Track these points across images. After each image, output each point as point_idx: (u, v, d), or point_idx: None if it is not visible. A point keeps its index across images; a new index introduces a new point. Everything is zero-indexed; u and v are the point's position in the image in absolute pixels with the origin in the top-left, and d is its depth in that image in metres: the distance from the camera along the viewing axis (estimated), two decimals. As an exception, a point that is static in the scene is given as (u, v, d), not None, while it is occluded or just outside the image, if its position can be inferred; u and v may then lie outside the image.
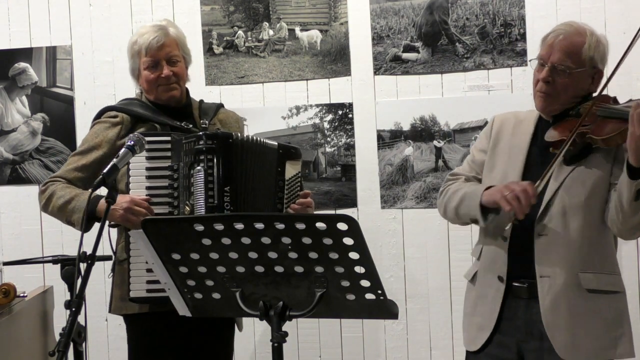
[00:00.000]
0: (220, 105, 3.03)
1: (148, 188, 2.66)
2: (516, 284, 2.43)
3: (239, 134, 2.71)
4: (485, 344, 2.48)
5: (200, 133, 2.63)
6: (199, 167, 2.59)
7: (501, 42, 3.67)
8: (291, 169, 2.83)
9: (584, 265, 2.39)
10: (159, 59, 2.78)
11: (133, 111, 2.82)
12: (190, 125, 2.81)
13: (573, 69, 2.40)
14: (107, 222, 2.28)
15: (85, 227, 2.60)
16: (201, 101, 2.99)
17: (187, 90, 2.93)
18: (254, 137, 2.75)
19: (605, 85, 2.41)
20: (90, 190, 2.28)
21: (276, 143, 2.80)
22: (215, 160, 2.59)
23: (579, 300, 2.38)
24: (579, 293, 2.38)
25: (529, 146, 2.50)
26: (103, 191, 2.44)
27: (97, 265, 2.21)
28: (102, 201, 2.57)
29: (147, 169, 2.66)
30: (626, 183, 2.24)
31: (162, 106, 2.84)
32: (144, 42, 2.78)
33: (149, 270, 2.58)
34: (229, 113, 3.04)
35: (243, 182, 2.67)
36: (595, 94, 2.49)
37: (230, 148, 2.63)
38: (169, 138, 2.68)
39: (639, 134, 2.17)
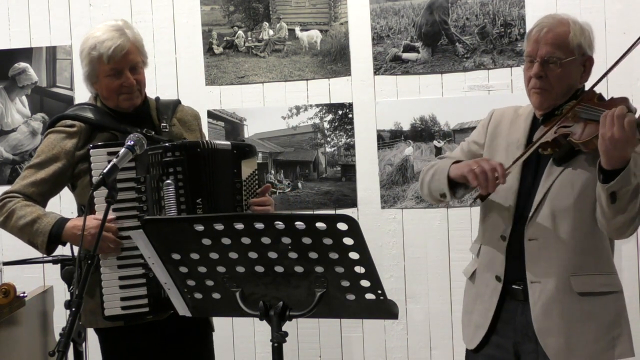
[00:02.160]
0: (178, 103, 2.89)
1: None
2: (514, 286, 2.42)
3: (205, 142, 2.61)
4: (482, 343, 2.48)
5: (167, 144, 2.54)
6: (168, 181, 2.50)
7: (501, 42, 3.67)
8: (247, 169, 2.69)
9: (576, 268, 2.37)
10: (123, 68, 2.63)
11: (90, 119, 2.68)
12: (152, 132, 2.68)
13: (563, 59, 2.38)
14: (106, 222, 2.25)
15: (49, 251, 2.57)
16: (157, 99, 2.85)
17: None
18: (209, 141, 2.64)
19: (596, 83, 2.39)
20: (90, 193, 2.24)
21: (229, 143, 2.68)
22: (184, 172, 2.51)
23: (572, 304, 2.36)
24: (571, 297, 2.36)
25: (525, 146, 2.47)
26: (65, 206, 2.39)
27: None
28: (69, 225, 2.54)
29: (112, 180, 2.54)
30: (600, 187, 2.22)
31: (118, 111, 2.71)
32: (106, 49, 2.60)
33: (123, 287, 2.53)
34: (186, 110, 2.89)
35: (210, 191, 2.58)
36: (587, 88, 2.48)
37: (197, 158, 2.55)
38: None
39: (608, 136, 2.14)
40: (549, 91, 2.41)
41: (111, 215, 2.52)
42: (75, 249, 2.62)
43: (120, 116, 2.70)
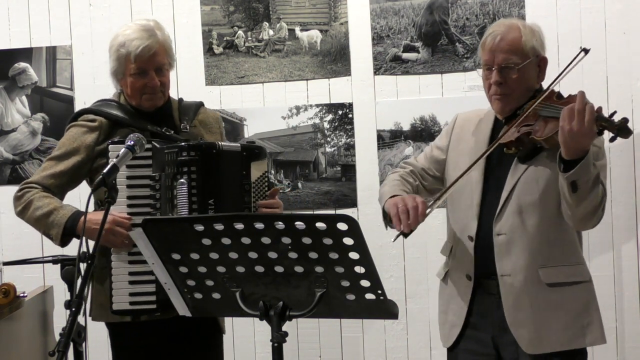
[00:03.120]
0: (200, 105, 2.93)
1: (129, 197, 2.58)
2: (487, 281, 2.49)
3: (221, 144, 2.62)
4: (457, 339, 2.54)
5: (183, 144, 2.56)
6: (182, 180, 2.52)
7: (501, 42, 3.66)
8: (256, 171, 2.71)
9: (543, 260, 2.45)
10: (148, 68, 2.67)
11: (112, 115, 2.72)
12: (172, 132, 2.72)
13: (520, 64, 2.46)
14: (106, 220, 2.25)
15: (64, 243, 2.60)
16: (180, 100, 2.89)
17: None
18: (220, 143, 2.65)
19: (553, 83, 2.45)
20: (90, 192, 2.26)
21: (239, 145, 2.70)
22: (198, 172, 2.53)
23: (541, 295, 2.44)
24: (540, 288, 2.44)
25: (488, 144, 2.53)
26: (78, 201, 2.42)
27: (97, 265, 2.21)
28: (82, 218, 2.53)
29: (128, 177, 2.58)
30: (561, 177, 2.30)
31: (140, 110, 2.75)
32: (134, 48, 2.63)
33: (132, 282, 2.55)
34: (208, 113, 2.94)
35: (222, 192, 2.60)
36: (544, 87, 2.54)
37: (212, 159, 2.56)
38: (149, 146, 2.56)
39: (567, 129, 2.22)
40: (509, 95, 2.49)
41: (125, 211, 2.56)
42: (91, 243, 2.65)
43: (142, 114, 2.74)
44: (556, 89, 2.50)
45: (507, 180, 2.47)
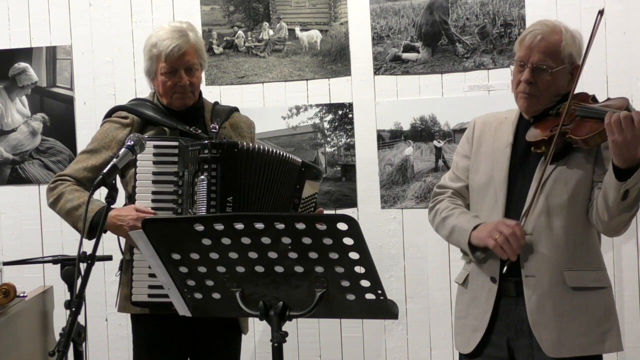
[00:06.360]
0: (234, 109, 3.00)
1: (154, 193, 2.66)
2: (506, 283, 2.47)
3: (245, 144, 2.67)
4: (479, 346, 2.51)
5: (206, 142, 2.61)
6: (202, 177, 2.58)
7: (501, 42, 3.67)
8: (309, 189, 2.81)
9: (568, 264, 2.43)
10: (178, 68, 2.74)
11: (143, 113, 2.80)
12: (199, 131, 2.78)
13: (554, 68, 2.44)
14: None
15: (90, 236, 2.62)
16: (215, 103, 2.97)
17: (199, 92, 2.91)
18: (264, 147, 2.71)
19: (576, 80, 2.46)
20: (91, 192, 2.28)
21: (300, 160, 2.78)
22: (218, 169, 2.57)
23: (565, 298, 2.42)
24: (564, 291, 2.42)
25: (512, 146, 2.53)
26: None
27: (97, 265, 2.22)
28: (111, 213, 2.58)
29: (154, 173, 2.65)
30: (613, 184, 2.28)
31: (172, 109, 2.82)
32: (165, 48, 2.72)
33: (152, 275, 2.58)
34: (241, 117, 3.01)
35: (248, 193, 2.64)
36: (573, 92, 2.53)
37: (235, 158, 2.61)
38: (176, 143, 2.66)
39: (620, 141, 2.22)
40: (536, 97, 2.47)
41: (149, 206, 2.64)
42: (122, 239, 2.76)
43: (174, 114, 2.81)
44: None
45: (534, 180, 2.44)
